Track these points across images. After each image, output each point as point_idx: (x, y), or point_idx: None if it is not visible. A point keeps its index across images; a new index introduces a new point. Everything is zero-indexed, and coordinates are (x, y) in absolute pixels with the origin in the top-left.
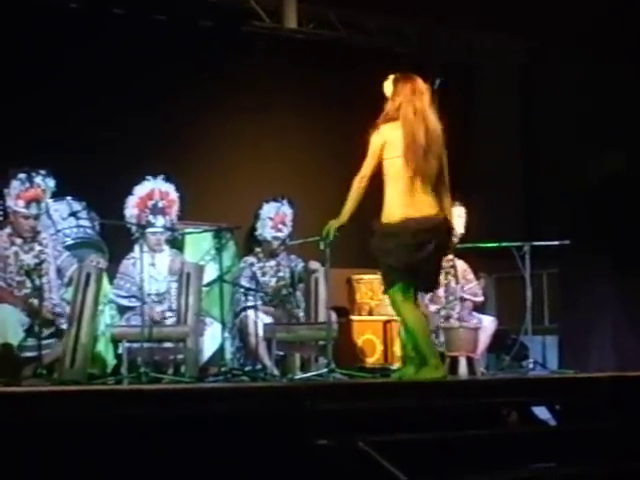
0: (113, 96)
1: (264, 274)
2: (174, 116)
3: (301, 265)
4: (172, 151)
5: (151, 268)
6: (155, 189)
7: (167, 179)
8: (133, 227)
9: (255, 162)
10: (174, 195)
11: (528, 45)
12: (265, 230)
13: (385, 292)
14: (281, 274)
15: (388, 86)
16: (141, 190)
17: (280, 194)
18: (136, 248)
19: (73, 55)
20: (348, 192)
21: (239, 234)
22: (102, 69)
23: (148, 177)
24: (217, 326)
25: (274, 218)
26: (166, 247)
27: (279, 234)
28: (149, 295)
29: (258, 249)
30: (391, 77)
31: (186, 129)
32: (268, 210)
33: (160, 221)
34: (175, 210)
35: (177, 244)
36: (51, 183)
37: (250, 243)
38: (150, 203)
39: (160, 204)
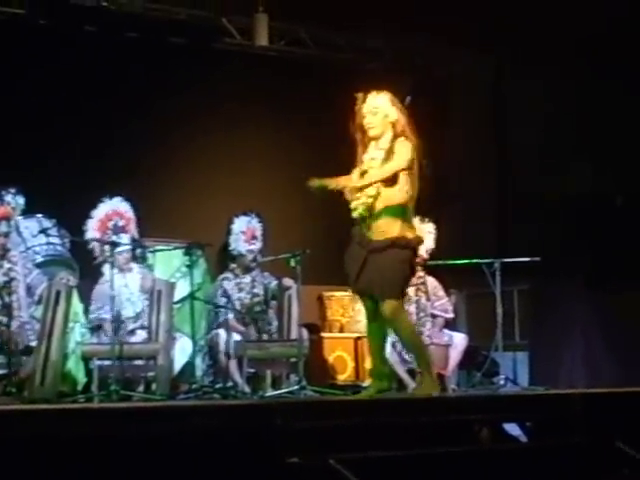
0: (83, 113)
1: (240, 290)
2: (145, 133)
3: (274, 282)
4: (143, 168)
5: (125, 290)
6: (110, 210)
7: (123, 199)
8: (96, 250)
9: (226, 179)
10: (130, 213)
11: (500, 60)
12: (239, 244)
13: (387, 305)
14: (256, 290)
15: (386, 101)
16: (98, 213)
17: (248, 209)
18: (106, 271)
19: (43, 72)
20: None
21: (211, 251)
22: (73, 87)
23: (104, 199)
24: (186, 339)
25: (246, 232)
26: (134, 265)
27: (252, 247)
28: (128, 318)
29: (233, 265)
30: (387, 95)
31: (157, 146)
32: (239, 224)
33: (124, 239)
34: (133, 227)
35: (147, 261)
36: (21, 201)
37: (224, 259)
38: (110, 224)
39: (120, 223)
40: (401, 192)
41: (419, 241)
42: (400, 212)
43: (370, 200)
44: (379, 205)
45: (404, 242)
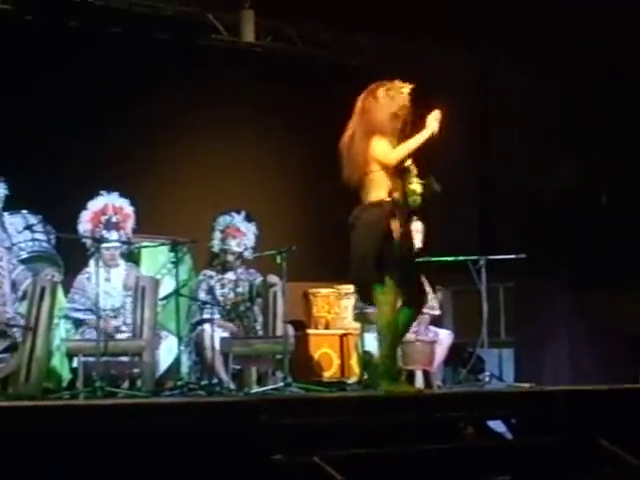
0: (69, 109)
1: (223, 286)
2: (131, 129)
3: (260, 279)
4: (128, 164)
5: (106, 283)
6: (109, 204)
7: (121, 194)
8: (88, 242)
9: (212, 176)
10: (129, 209)
11: (483, 60)
12: (216, 242)
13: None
14: (240, 288)
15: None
16: (95, 205)
17: (236, 207)
18: (91, 263)
19: (28, 68)
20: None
21: (198, 248)
22: (57, 82)
23: (102, 192)
24: (172, 339)
25: (225, 230)
26: (121, 261)
27: (227, 247)
28: (104, 310)
29: (216, 262)
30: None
31: (143, 142)
32: (220, 223)
33: (114, 236)
34: (130, 225)
35: (133, 258)
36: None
37: (210, 256)
38: (104, 218)
39: (114, 219)
40: None
41: None
42: None
43: None
44: None
45: None
